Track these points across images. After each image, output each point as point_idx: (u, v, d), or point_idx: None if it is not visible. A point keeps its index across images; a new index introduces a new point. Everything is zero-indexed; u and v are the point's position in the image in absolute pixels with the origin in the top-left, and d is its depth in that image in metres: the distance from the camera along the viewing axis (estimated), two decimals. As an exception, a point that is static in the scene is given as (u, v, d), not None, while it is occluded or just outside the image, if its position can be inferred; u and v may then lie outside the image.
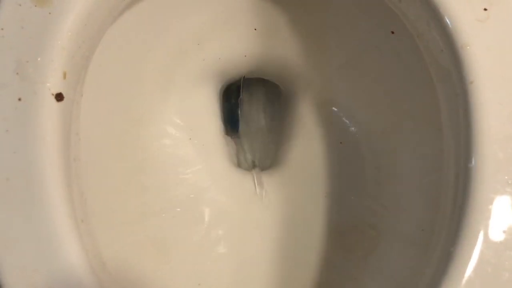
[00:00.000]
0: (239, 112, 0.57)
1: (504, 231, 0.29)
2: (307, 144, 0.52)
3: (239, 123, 0.60)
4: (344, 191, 0.49)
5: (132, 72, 0.45)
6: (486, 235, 0.29)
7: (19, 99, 0.29)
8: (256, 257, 0.49)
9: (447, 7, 0.31)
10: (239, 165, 0.58)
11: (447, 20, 0.31)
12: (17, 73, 0.29)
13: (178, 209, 0.48)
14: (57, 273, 0.28)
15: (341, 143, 0.51)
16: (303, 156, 0.52)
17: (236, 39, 0.50)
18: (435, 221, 0.33)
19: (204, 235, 0.49)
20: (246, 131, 0.59)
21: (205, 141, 0.52)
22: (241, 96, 0.54)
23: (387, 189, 0.46)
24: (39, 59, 0.29)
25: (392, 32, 0.41)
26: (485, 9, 0.31)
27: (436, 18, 0.31)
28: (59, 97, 0.29)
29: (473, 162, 0.29)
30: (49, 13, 0.30)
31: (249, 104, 0.60)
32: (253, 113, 0.60)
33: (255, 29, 0.49)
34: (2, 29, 0.30)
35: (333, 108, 0.51)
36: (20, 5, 0.30)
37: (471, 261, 0.28)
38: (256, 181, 0.52)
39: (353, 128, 0.50)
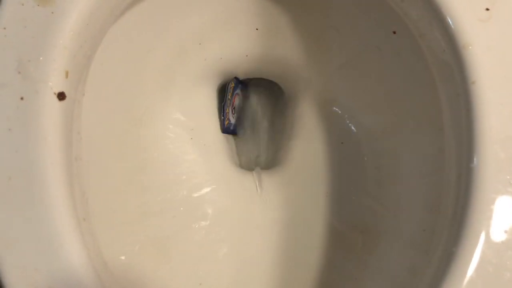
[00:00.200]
0: (230, 110, 0.57)
1: (505, 231, 0.29)
2: (307, 144, 0.52)
3: (240, 122, 0.60)
4: (345, 191, 0.49)
5: (134, 72, 0.45)
6: (487, 235, 0.29)
7: (21, 98, 0.29)
8: (257, 257, 0.49)
9: (449, 7, 0.31)
10: (240, 165, 0.57)
11: (449, 20, 0.31)
12: (19, 72, 0.29)
13: (179, 209, 0.48)
14: (58, 273, 0.28)
15: (342, 143, 0.51)
16: (303, 156, 0.52)
17: (237, 39, 0.50)
18: (436, 221, 0.33)
19: (204, 235, 0.49)
20: (247, 131, 0.59)
21: (206, 140, 0.52)
22: (227, 98, 0.54)
23: (387, 189, 0.46)
24: (41, 58, 0.29)
25: (394, 32, 0.41)
26: (487, 9, 0.31)
27: (438, 18, 0.31)
28: (61, 96, 0.29)
29: (474, 162, 0.29)
30: (52, 13, 0.30)
31: (250, 104, 0.60)
32: (254, 113, 0.60)
33: (257, 29, 0.49)
34: (4, 28, 0.30)
35: (334, 108, 0.51)
36: (22, 4, 0.30)
37: (473, 261, 0.28)
38: (257, 181, 0.52)
39: (354, 128, 0.50)
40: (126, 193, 0.45)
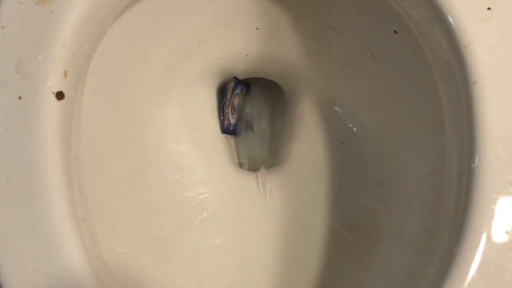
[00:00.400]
0: (230, 110, 0.57)
1: (507, 232, 0.29)
2: (308, 144, 0.52)
3: (240, 123, 0.60)
4: (345, 191, 0.49)
5: (133, 71, 0.45)
6: (489, 236, 0.29)
7: (20, 98, 0.29)
8: (257, 257, 0.49)
9: (450, 7, 0.31)
10: (240, 165, 0.57)
11: (450, 20, 0.31)
12: (18, 71, 0.29)
13: (179, 209, 0.48)
14: (57, 273, 0.28)
15: (342, 143, 0.51)
16: (304, 156, 0.52)
17: (237, 39, 0.50)
18: (437, 221, 0.33)
19: (204, 235, 0.48)
20: (247, 131, 0.59)
21: (206, 140, 0.52)
22: (226, 98, 0.54)
23: (388, 189, 0.46)
24: (40, 57, 0.29)
25: (395, 32, 0.41)
26: (489, 8, 0.31)
27: (439, 18, 0.31)
28: (59, 95, 0.29)
29: (476, 162, 0.29)
30: (50, 12, 0.30)
31: (250, 104, 0.60)
32: (254, 113, 0.60)
33: (257, 29, 0.49)
34: (3, 27, 0.29)
35: (335, 108, 0.51)
36: (21, 3, 0.30)
37: (474, 262, 0.28)
38: (259, 181, 0.52)
39: (354, 128, 0.50)
40: (126, 193, 0.45)
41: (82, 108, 0.33)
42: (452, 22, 0.31)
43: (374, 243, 0.45)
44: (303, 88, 0.53)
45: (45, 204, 0.28)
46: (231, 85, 0.55)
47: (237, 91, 0.57)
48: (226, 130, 0.55)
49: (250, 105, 0.60)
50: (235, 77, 0.55)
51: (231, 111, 0.56)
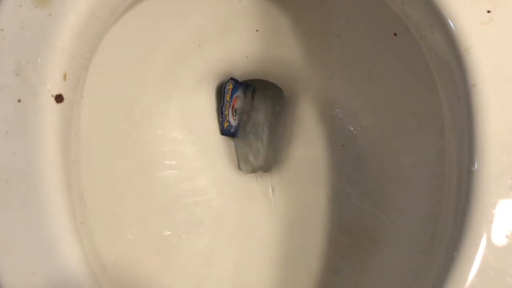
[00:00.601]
0: (230, 112, 0.57)
1: (507, 236, 0.29)
2: (308, 146, 0.52)
3: (240, 124, 0.59)
4: (345, 194, 0.49)
5: (133, 74, 0.45)
6: (489, 240, 0.28)
7: (19, 101, 0.29)
8: (257, 260, 0.49)
9: (450, 10, 0.31)
10: (239, 167, 0.57)
11: (450, 23, 0.31)
12: (17, 74, 0.29)
13: (179, 212, 0.48)
14: (56, 276, 0.28)
15: (342, 145, 0.50)
16: (304, 158, 0.52)
17: (237, 40, 0.50)
18: (437, 224, 0.33)
19: (204, 237, 0.48)
20: (246, 133, 0.59)
21: (206, 142, 0.52)
22: (225, 99, 0.54)
23: (388, 192, 0.46)
24: (39, 60, 0.29)
25: (395, 34, 0.41)
26: (489, 11, 0.31)
27: (440, 21, 0.31)
28: (59, 98, 0.29)
29: (476, 166, 0.29)
30: (50, 14, 0.30)
31: (249, 106, 0.60)
32: (254, 115, 0.60)
33: (257, 31, 0.49)
34: (2, 30, 0.29)
35: (334, 110, 0.51)
36: (20, 6, 0.30)
37: (474, 266, 0.28)
38: (259, 183, 0.52)
39: (354, 130, 0.50)
40: (126, 196, 0.45)
41: (81, 110, 0.33)
42: (452, 25, 0.31)
43: (374, 246, 0.45)
44: (303, 90, 0.53)
45: (44, 208, 0.28)
46: (230, 87, 0.55)
47: (238, 93, 0.57)
48: (226, 132, 0.55)
49: (250, 107, 0.60)
50: (231, 78, 0.55)
51: (232, 113, 0.56)
